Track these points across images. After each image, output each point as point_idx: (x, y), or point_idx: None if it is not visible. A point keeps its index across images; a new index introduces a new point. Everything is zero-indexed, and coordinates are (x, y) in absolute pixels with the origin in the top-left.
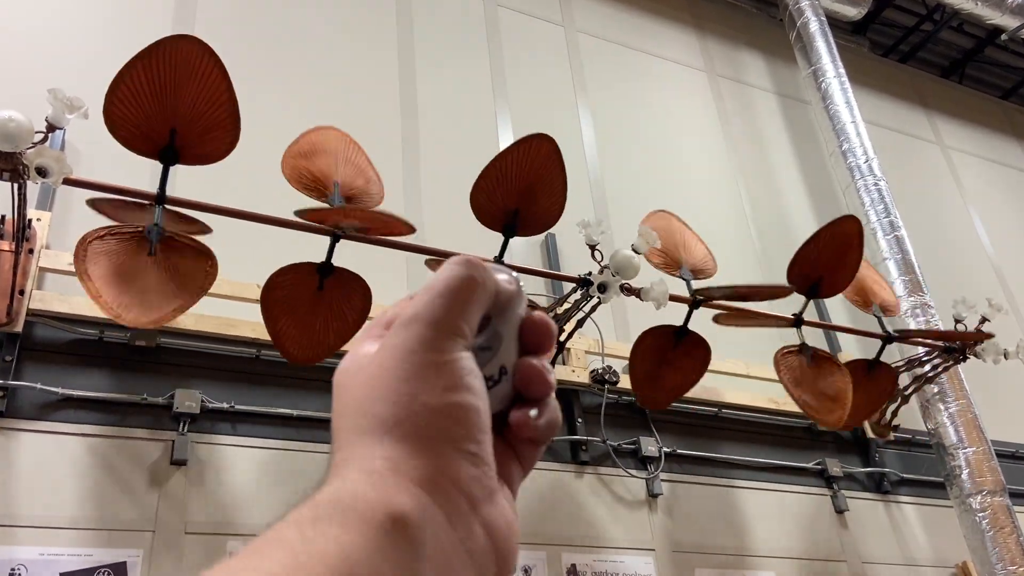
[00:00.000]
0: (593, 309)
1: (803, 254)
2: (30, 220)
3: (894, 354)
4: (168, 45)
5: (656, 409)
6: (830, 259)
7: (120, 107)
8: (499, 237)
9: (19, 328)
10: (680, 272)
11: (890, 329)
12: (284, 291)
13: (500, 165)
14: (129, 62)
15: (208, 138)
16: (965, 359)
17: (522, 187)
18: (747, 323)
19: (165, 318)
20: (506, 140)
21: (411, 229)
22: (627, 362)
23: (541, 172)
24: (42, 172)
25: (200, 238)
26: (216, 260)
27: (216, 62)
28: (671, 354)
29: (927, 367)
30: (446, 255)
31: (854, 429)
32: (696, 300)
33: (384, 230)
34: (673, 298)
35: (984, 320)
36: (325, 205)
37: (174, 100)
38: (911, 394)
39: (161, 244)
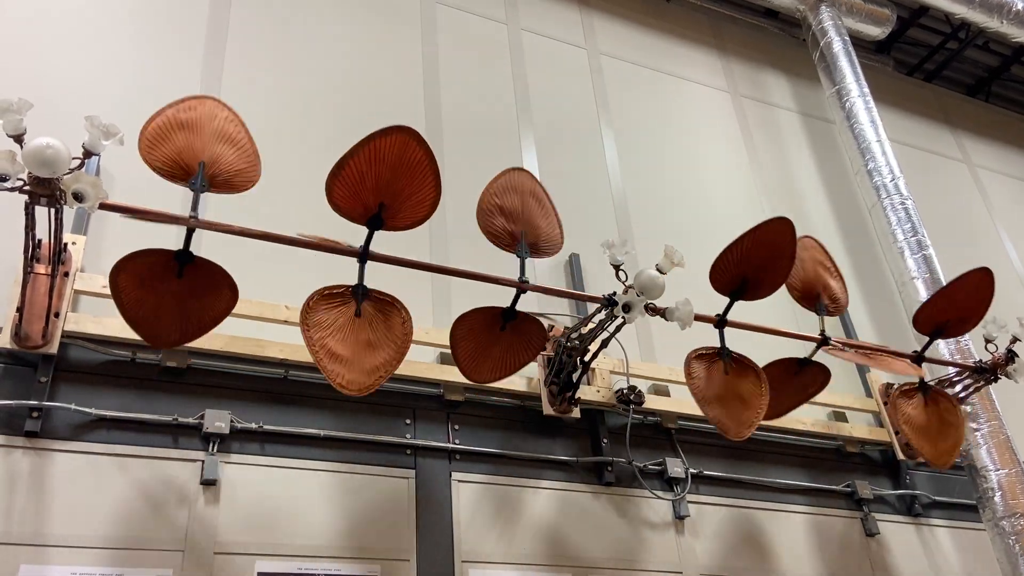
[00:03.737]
0: (618, 329)
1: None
2: (65, 244)
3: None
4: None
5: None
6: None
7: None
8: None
9: (54, 349)
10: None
11: (918, 348)
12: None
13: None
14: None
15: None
16: (996, 379)
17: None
18: (794, 399)
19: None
20: (530, 161)
21: None
22: (652, 382)
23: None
24: (79, 197)
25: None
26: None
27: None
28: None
29: (958, 388)
30: (471, 276)
31: (884, 451)
32: (722, 320)
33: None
34: (698, 318)
35: (1015, 340)
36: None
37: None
38: None
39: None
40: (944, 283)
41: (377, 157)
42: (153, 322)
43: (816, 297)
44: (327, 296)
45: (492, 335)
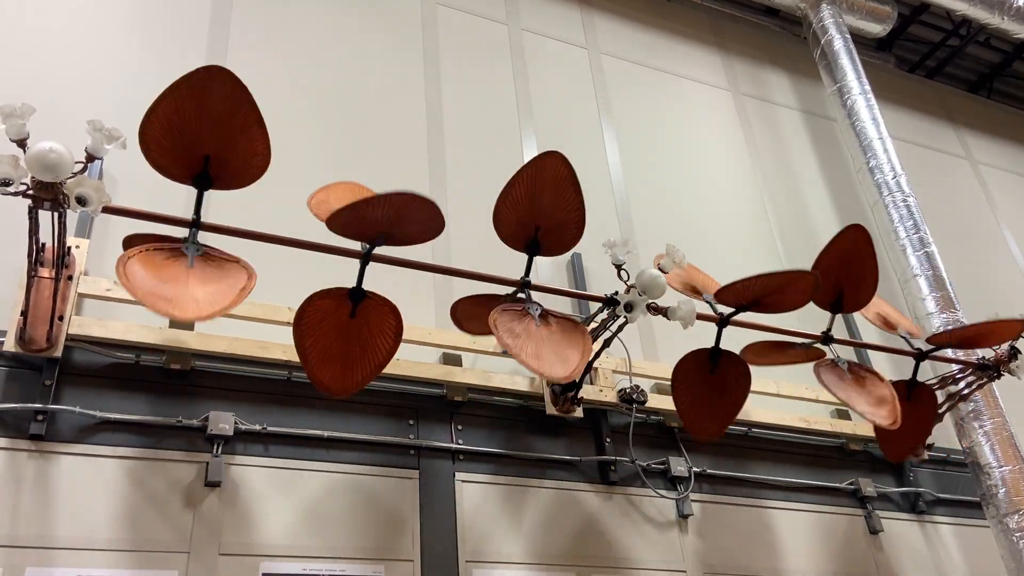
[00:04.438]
0: (620, 328)
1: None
2: (69, 247)
3: (926, 372)
4: (199, 75)
5: (710, 439)
6: (847, 271)
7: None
8: (523, 257)
9: (58, 353)
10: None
11: (921, 347)
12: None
13: (516, 186)
14: None
15: (240, 162)
16: (999, 376)
17: (540, 206)
18: (777, 359)
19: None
20: None
21: None
22: (655, 381)
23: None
24: (82, 201)
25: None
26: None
27: (242, 90)
28: (712, 378)
29: (961, 385)
30: (474, 276)
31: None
32: (724, 319)
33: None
34: (701, 317)
35: (1019, 336)
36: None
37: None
38: (945, 412)
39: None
40: (946, 280)
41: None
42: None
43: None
44: (321, 297)
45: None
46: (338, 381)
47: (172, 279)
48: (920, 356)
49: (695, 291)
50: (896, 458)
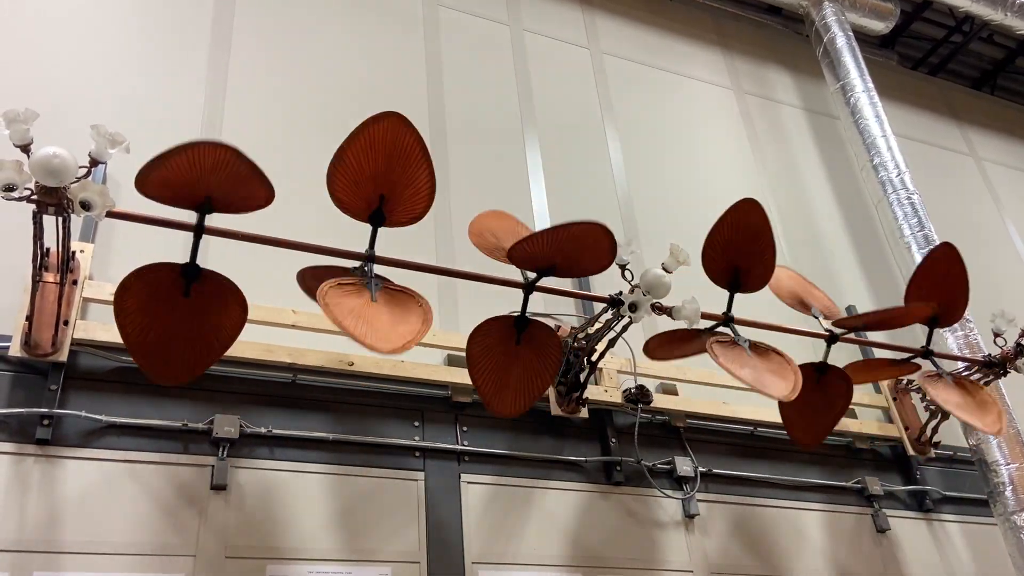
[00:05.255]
0: (624, 329)
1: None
2: (73, 252)
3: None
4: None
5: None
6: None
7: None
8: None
9: (64, 357)
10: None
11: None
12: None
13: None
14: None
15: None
16: (1005, 373)
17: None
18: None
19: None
20: (534, 162)
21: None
22: (660, 381)
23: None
24: (86, 206)
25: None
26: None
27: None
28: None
29: None
30: (477, 278)
31: (894, 447)
32: (729, 319)
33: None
34: (705, 316)
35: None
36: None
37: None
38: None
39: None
40: None
41: (372, 146)
42: (159, 354)
43: (808, 307)
44: (341, 285)
45: (508, 354)
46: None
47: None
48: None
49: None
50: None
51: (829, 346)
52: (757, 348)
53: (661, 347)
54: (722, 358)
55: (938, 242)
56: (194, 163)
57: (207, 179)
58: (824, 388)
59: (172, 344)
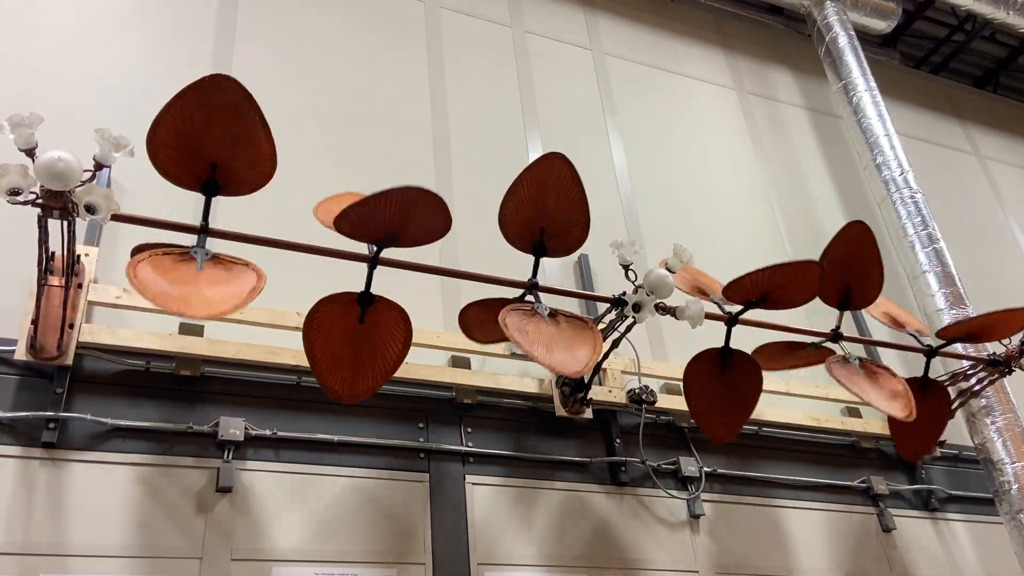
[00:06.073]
0: (628, 329)
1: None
2: (78, 256)
3: (936, 369)
4: (203, 82)
5: (723, 441)
6: (853, 268)
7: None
8: (531, 258)
9: (69, 361)
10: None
11: (931, 343)
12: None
13: (520, 187)
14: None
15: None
16: (1011, 372)
17: (545, 208)
18: (789, 363)
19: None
20: None
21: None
22: (664, 381)
23: (561, 191)
24: (91, 209)
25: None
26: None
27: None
28: (724, 378)
29: (972, 381)
30: (481, 278)
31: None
32: (733, 318)
33: None
34: (709, 316)
35: None
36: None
37: None
38: (956, 409)
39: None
40: (955, 276)
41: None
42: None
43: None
44: (329, 302)
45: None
46: (348, 387)
47: (182, 281)
48: (931, 352)
49: (701, 293)
50: (912, 456)
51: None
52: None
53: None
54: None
55: (941, 241)
56: (203, 103)
57: (214, 130)
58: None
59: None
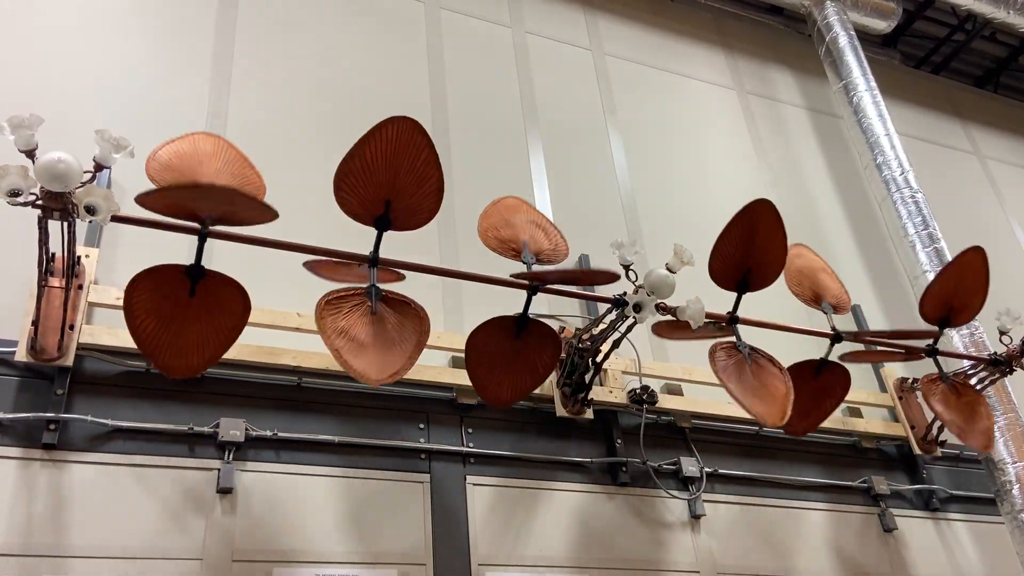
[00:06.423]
0: (629, 329)
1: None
2: (79, 257)
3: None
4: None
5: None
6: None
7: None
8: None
9: (69, 362)
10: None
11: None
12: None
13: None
14: None
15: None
16: (1011, 371)
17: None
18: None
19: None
20: (537, 164)
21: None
22: (665, 381)
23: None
24: (91, 210)
25: (243, 274)
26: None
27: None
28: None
29: (973, 380)
30: (482, 279)
31: (900, 446)
32: (734, 318)
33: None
34: (710, 316)
35: None
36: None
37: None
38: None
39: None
40: None
41: (381, 150)
42: (172, 348)
43: (819, 300)
44: (340, 298)
45: (506, 352)
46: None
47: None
48: (931, 352)
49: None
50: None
51: (832, 345)
52: (757, 359)
53: (671, 331)
54: (720, 367)
55: (942, 240)
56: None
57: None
58: (822, 382)
59: (184, 340)
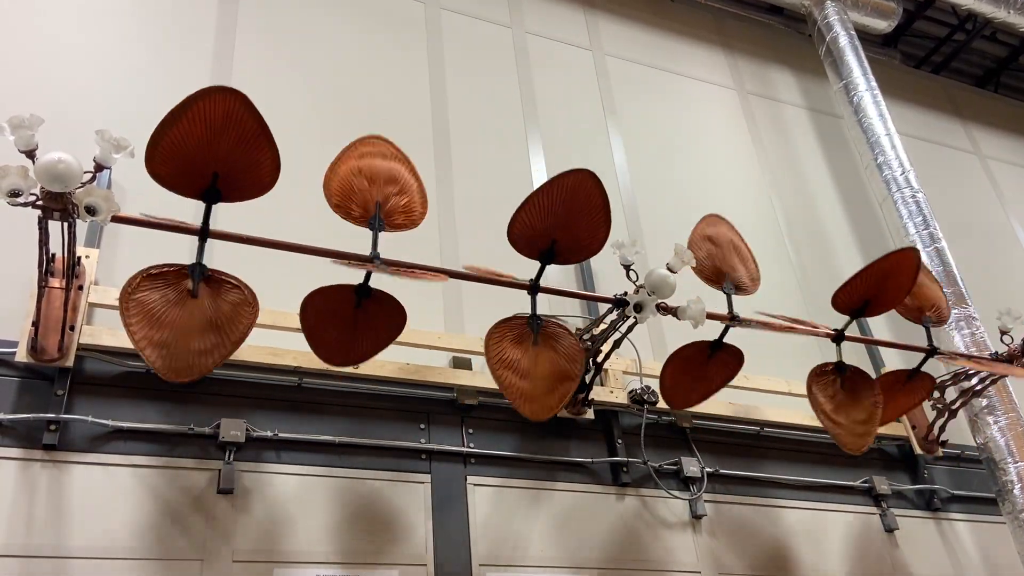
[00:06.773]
0: (630, 329)
1: (852, 286)
2: (79, 257)
3: (939, 367)
4: (204, 98)
5: (685, 407)
6: (879, 287)
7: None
8: (531, 260)
9: (70, 363)
10: (723, 286)
11: (936, 342)
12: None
13: (539, 198)
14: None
15: (247, 177)
16: None
17: (560, 219)
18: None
19: (204, 369)
20: (537, 164)
21: (444, 277)
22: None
23: (580, 205)
24: (91, 211)
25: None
26: (257, 307)
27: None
28: (704, 368)
29: (974, 380)
30: (482, 279)
31: (901, 446)
32: (734, 317)
33: (420, 277)
34: (711, 316)
35: None
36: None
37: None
38: (959, 408)
39: (206, 285)
40: (957, 275)
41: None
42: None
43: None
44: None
45: (524, 350)
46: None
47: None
48: (932, 352)
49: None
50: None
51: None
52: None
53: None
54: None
55: (943, 240)
56: (203, 118)
57: (216, 143)
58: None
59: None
